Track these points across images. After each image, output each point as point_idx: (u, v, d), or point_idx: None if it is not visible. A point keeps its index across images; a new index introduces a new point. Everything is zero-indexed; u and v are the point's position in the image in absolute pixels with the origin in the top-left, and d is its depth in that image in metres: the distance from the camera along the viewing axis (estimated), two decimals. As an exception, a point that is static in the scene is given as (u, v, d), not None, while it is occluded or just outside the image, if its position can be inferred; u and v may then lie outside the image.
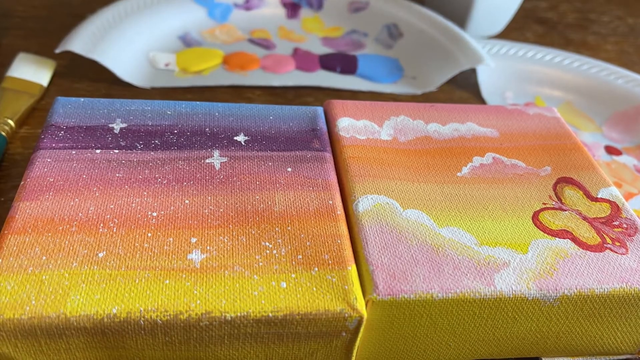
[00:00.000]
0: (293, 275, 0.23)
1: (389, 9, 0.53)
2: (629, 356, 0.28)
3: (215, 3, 0.52)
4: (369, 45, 0.51)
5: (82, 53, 0.40)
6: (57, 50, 0.41)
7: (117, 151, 0.28)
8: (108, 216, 0.24)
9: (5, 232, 0.23)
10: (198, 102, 0.32)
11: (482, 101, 0.46)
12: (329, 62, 0.47)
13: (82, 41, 0.41)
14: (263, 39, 0.49)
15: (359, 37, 0.52)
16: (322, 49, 0.49)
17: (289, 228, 0.25)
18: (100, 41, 0.42)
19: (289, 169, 0.28)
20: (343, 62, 0.47)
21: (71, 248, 0.23)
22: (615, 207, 0.29)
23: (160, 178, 0.27)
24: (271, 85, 0.44)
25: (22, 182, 0.25)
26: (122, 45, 0.44)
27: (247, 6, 0.53)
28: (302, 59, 0.47)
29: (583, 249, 0.26)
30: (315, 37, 0.51)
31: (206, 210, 0.25)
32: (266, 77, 0.44)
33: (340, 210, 0.26)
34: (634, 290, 0.25)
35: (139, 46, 0.45)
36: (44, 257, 0.22)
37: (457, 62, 0.46)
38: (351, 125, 0.32)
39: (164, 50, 0.46)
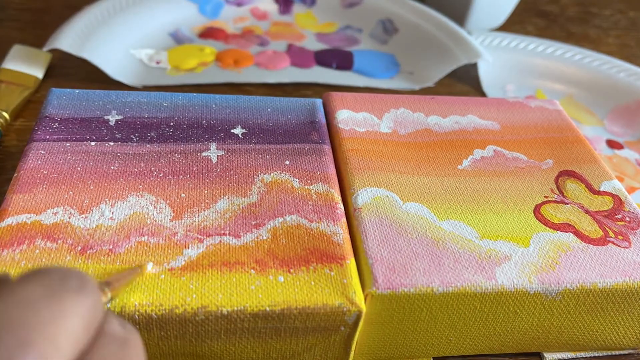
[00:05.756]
0: (291, 270, 0.23)
1: (383, 4, 0.52)
2: (631, 351, 0.28)
3: None
4: (363, 40, 0.50)
5: (71, 51, 0.39)
6: (45, 48, 0.40)
7: (112, 143, 0.27)
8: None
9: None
10: (195, 94, 0.31)
11: (482, 94, 0.45)
12: (324, 58, 0.47)
13: (70, 38, 0.40)
14: (256, 35, 0.49)
15: (354, 33, 0.51)
16: (316, 45, 0.49)
17: (287, 222, 0.25)
18: (89, 38, 0.41)
19: (287, 162, 0.28)
20: (339, 58, 0.47)
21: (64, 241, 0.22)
22: (618, 200, 0.28)
23: (156, 171, 0.26)
24: (266, 82, 0.43)
25: (15, 174, 0.25)
26: (111, 42, 0.43)
27: (239, 2, 0.52)
28: (297, 55, 0.47)
29: (585, 242, 0.26)
30: (309, 33, 0.50)
31: (202, 204, 0.25)
32: (261, 74, 0.44)
33: (339, 204, 0.26)
34: (637, 284, 0.24)
35: (129, 43, 0.44)
36: (36, 251, 0.22)
37: (454, 57, 0.46)
38: (350, 117, 0.31)
39: (155, 47, 0.45)
